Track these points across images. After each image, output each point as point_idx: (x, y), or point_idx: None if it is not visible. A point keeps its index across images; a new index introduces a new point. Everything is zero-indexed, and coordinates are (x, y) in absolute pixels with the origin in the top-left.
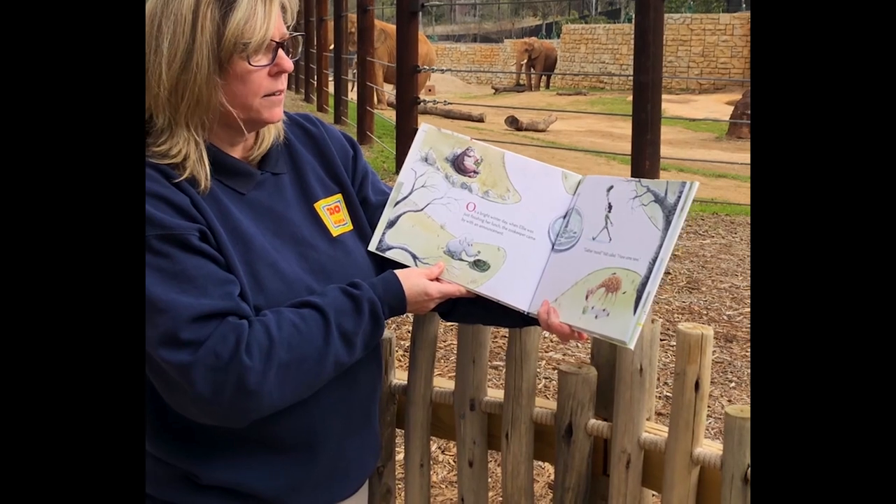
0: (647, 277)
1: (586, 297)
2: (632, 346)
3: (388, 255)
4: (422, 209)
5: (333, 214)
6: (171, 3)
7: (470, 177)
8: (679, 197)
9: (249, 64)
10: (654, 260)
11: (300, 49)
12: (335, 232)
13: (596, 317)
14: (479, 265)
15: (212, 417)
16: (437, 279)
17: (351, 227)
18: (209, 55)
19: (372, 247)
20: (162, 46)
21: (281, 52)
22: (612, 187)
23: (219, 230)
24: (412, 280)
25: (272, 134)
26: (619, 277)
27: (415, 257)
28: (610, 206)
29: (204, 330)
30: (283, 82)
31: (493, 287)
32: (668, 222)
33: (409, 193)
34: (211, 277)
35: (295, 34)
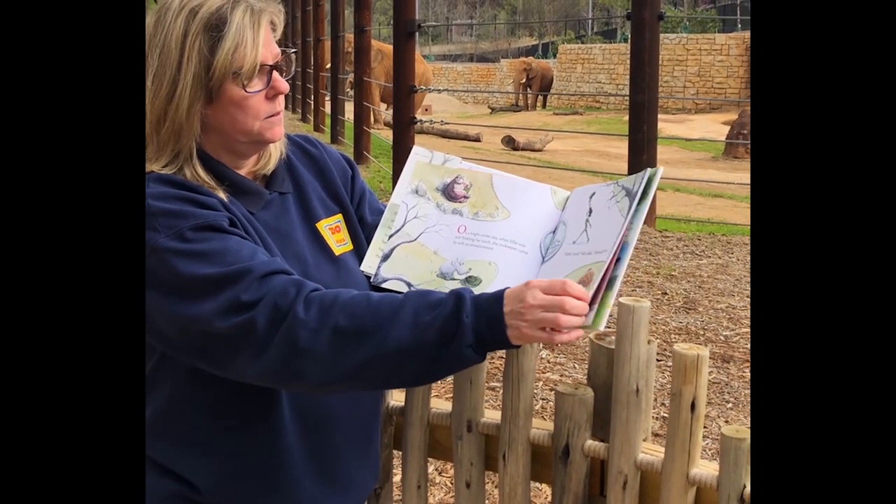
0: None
1: None
2: (600, 328)
3: (385, 286)
4: (415, 239)
5: (335, 234)
6: (157, 35)
7: (460, 202)
8: (641, 182)
9: (245, 90)
10: (615, 243)
11: (293, 67)
12: (337, 251)
13: None
14: (471, 281)
15: (267, 379)
16: None
17: (351, 247)
18: (194, 86)
19: (367, 272)
20: (148, 79)
21: (275, 74)
22: (594, 194)
23: (248, 228)
24: (520, 291)
25: (278, 150)
26: (592, 271)
27: (409, 285)
28: (591, 211)
29: (265, 286)
30: (280, 103)
31: None
32: (630, 207)
33: (402, 225)
34: (257, 249)
35: (287, 51)
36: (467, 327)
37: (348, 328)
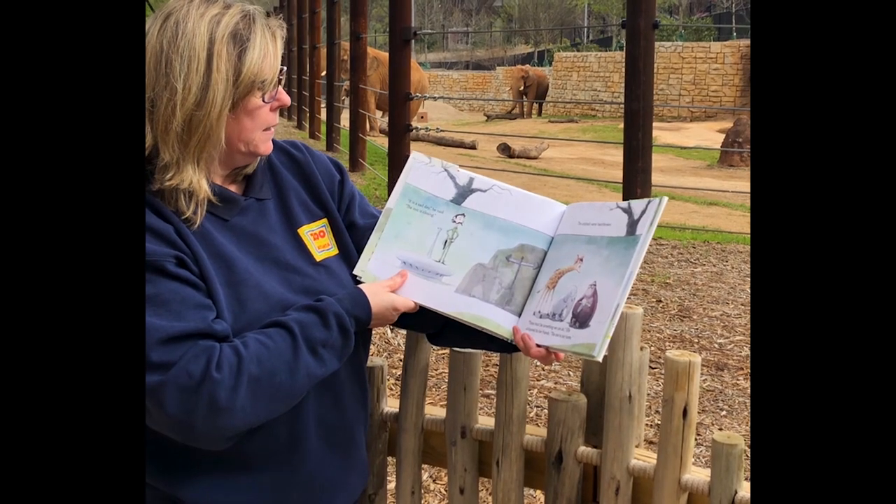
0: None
1: None
2: (599, 359)
3: None
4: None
5: (317, 240)
6: (179, 40)
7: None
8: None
9: (263, 100)
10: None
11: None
12: (319, 257)
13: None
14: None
15: (187, 438)
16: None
17: (336, 252)
18: (225, 92)
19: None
20: (174, 83)
21: (279, 87)
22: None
23: (201, 255)
24: (380, 296)
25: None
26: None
27: None
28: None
29: (176, 351)
30: (277, 114)
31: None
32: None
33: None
34: (186, 301)
35: (283, 66)
36: (351, 331)
37: (262, 375)
